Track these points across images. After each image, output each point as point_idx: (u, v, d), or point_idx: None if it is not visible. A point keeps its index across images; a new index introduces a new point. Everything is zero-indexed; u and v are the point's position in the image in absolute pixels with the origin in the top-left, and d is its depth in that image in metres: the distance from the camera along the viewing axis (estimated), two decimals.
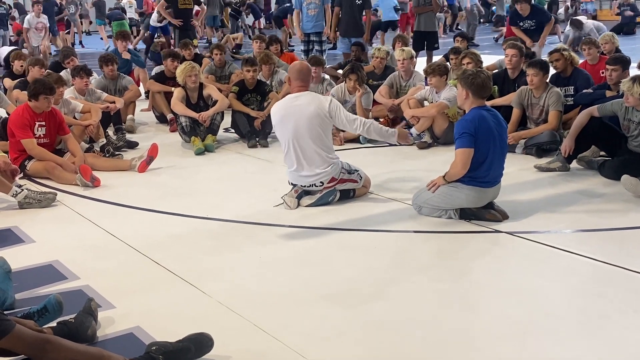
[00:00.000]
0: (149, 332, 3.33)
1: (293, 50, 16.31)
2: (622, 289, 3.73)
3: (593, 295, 3.67)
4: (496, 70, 8.26)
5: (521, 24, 10.02)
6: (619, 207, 5.10)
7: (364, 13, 11.10)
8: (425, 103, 7.41)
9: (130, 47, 11.04)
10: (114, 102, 7.78)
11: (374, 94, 7.90)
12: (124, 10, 20.76)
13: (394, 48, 9.73)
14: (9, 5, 20.72)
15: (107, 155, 6.84)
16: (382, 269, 4.10)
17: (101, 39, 21.49)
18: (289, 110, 5.20)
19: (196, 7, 15.65)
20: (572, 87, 7.21)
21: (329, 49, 12.74)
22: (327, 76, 9.12)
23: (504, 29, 14.19)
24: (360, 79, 7.56)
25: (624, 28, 20.27)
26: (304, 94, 5.24)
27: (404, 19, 17.75)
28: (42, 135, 6.24)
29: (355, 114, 7.41)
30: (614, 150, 5.96)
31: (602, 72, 7.41)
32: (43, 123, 6.22)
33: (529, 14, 9.89)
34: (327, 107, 5.18)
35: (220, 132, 7.72)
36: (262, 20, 24.61)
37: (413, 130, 7.14)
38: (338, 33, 11.26)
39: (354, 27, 10.97)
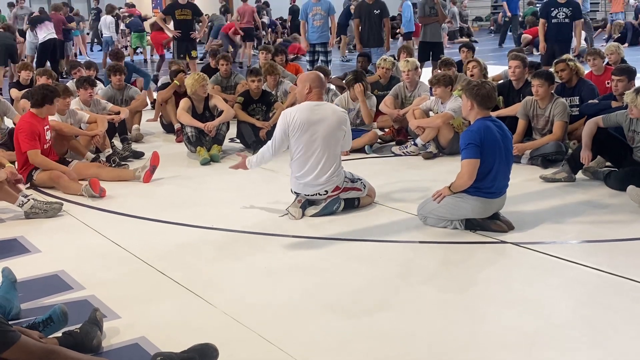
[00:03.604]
0: (154, 342, 3.33)
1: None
2: (628, 299, 3.72)
3: (599, 306, 3.65)
4: (501, 81, 8.25)
5: (555, 13, 9.75)
6: (625, 218, 5.09)
7: (383, 23, 11.12)
8: (431, 113, 7.41)
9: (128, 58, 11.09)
10: (119, 113, 7.82)
11: (379, 105, 7.92)
12: (142, 19, 20.25)
13: (399, 59, 9.74)
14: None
15: (113, 165, 6.86)
16: (387, 279, 4.09)
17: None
18: (313, 118, 5.17)
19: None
20: (577, 98, 7.17)
21: (345, 61, 12.70)
22: (332, 86, 9.13)
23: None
24: (364, 88, 7.58)
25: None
26: (324, 103, 5.33)
27: (418, 29, 17.73)
28: (51, 139, 6.39)
29: (361, 120, 7.50)
30: (619, 161, 5.94)
31: (608, 83, 7.38)
32: (48, 126, 6.34)
33: (567, 1, 9.66)
34: (346, 120, 5.36)
35: (226, 142, 7.73)
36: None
37: (418, 141, 7.15)
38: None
39: (375, 37, 11.01)
